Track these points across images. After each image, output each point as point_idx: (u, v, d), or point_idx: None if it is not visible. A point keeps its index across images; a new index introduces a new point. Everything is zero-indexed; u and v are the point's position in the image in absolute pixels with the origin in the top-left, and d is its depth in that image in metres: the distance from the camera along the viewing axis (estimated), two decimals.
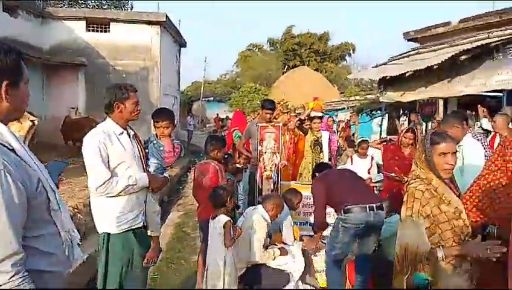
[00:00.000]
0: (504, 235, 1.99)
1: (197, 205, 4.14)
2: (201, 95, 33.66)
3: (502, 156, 2.22)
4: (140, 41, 13.52)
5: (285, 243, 4.23)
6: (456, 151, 2.21)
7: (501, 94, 7.70)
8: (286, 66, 35.01)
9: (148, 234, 2.89)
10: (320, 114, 6.65)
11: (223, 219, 3.36)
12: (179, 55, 16.58)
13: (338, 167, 6.28)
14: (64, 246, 1.59)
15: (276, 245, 4.09)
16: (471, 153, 3.51)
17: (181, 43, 16.53)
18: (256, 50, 40.00)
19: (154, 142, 3.37)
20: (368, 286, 3.75)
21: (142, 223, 2.80)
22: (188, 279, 4.34)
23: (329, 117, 9.95)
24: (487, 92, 7.88)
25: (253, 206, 4.35)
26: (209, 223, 3.51)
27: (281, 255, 3.91)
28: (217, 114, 27.44)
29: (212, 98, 34.60)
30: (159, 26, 13.62)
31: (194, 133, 19.99)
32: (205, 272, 3.44)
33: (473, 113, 9.36)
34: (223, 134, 13.60)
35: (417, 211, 2.07)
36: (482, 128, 6.64)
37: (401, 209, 2.15)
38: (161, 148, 3.36)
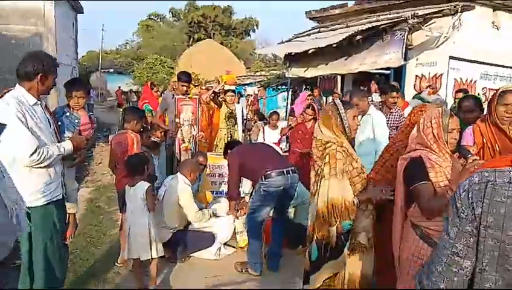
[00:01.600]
0: None
1: (113, 177, 4.10)
2: (99, 66, 31.36)
3: (409, 126, 2.64)
4: (31, 4, 12.11)
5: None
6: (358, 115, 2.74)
7: (388, 72, 8.79)
8: (191, 39, 34.31)
9: (67, 211, 2.88)
10: (233, 87, 6.88)
11: (143, 184, 3.40)
12: (76, 22, 15.26)
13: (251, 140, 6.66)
14: (10, 215, 1.60)
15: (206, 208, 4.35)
16: (380, 120, 4.22)
17: (77, 9, 15.20)
18: (159, 20, 38.38)
19: (68, 114, 3.27)
20: (281, 246, 4.14)
21: (61, 195, 2.77)
22: (109, 250, 4.34)
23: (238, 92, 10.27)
24: (377, 69, 8.90)
25: (172, 175, 4.50)
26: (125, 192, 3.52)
27: (212, 215, 4.18)
28: (119, 87, 26.02)
29: (112, 70, 32.46)
30: None
31: (94, 107, 18.75)
32: (127, 240, 3.45)
33: (365, 88, 10.48)
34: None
35: (340, 169, 2.44)
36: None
37: (324, 169, 2.47)
38: (76, 121, 3.28)
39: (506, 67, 9.20)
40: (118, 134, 4.14)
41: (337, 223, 2.44)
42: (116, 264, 3.97)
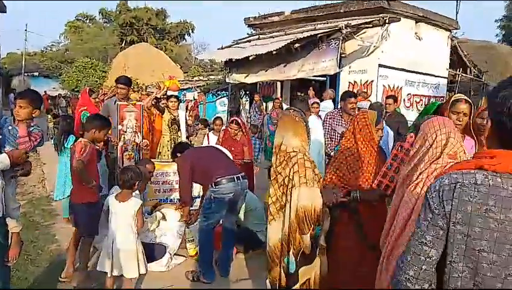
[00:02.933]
0: (365, 197, 2.67)
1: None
2: (23, 69, 29.06)
3: (352, 131, 2.81)
4: None
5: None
6: None
7: (325, 78, 9.24)
8: (124, 41, 33.08)
9: (10, 230, 2.70)
10: (176, 93, 6.81)
11: (137, 202, 3.35)
12: None
13: (195, 146, 6.60)
14: None
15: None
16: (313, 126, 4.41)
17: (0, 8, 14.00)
18: (88, 21, 36.57)
19: (10, 127, 3.08)
20: (232, 252, 4.17)
21: (1, 213, 2.59)
22: (50, 267, 4.08)
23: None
24: (314, 76, 9.32)
25: (116, 186, 4.34)
26: (109, 205, 3.41)
27: (162, 218, 4.07)
28: (45, 92, 24.31)
29: (36, 73, 30.22)
30: None
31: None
32: (110, 256, 3.32)
33: (302, 94, 10.90)
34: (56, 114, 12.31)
35: (310, 177, 2.52)
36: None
37: (294, 178, 2.54)
38: (17, 134, 3.09)
39: (428, 74, 10.13)
40: (75, 143, 3.92)
41: (310, 230, 2.51)
42: (60, 279, 3.75)
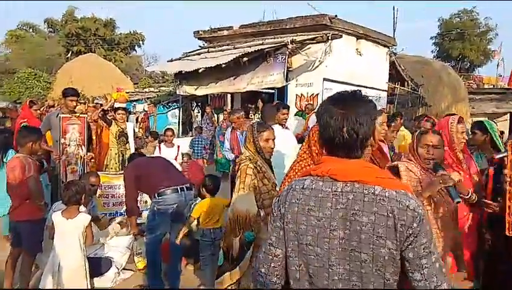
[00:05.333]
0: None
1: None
2: None
3: (308, 144, 2.80)
4: None
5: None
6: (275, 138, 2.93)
7: (273, 91, 9.54)
8: (70, 52, 31.85)
9: None
10: (124, 105, 6.74)
11: (85, 217, 3.31)
12: None
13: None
14: None
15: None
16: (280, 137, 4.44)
17: None
18: (31, 30, 34.87)
19: None
20: (180, 264, 4.16)
21: None
22: None
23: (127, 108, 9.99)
24: (263, 88, 9.59)
25: (59, 202, 4.24)
26: (54, 222, 3.32)
27: (121, 228, 4.03)
28: None
29: None
30: None
31: None
32: (55, 274, 3.25)
33: (253, 106, 11.12)
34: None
35: (248, 184, 2.66)
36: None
37: (236, 183, 2.69)
38: None
39: (369, 88, 10.74)
40: (11, 159, 3.79)
41: (241, 233, 2.64)
42: None
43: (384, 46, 11.53)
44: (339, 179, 1.30)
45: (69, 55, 31.03)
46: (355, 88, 1.48)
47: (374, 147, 1.37)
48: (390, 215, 1.23)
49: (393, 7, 14.11)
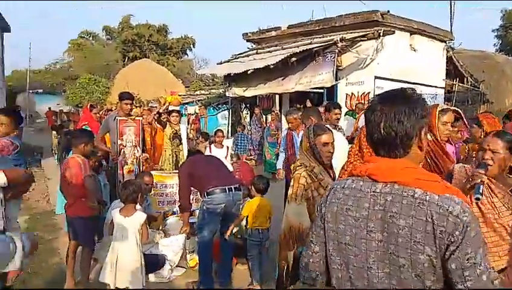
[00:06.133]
0: None
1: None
2: (27, 86, 29.47)
3: (359, 144, 2.52)
4: None
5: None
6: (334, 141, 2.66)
7: (322, 91, 9.40)
8: (126, 58, 33.51)
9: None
10: (178, 108, 6.96)
11: (141, 216, 3.44)
12: (2, 41, 14.38)
13: None
14: None
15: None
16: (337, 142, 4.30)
17: (4, 28, 14.34)
18: (91, 38, 37.09)
19: None
20: (231, 262, 4.22)
21: (2, 227, 2.68)
22: (53, 279, 4.18)
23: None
24: (312, 88, 9.49)
25: (117, 200, 4.44)
26: (112, 218, 3.48)
27: (165, 236, 4.17)
28: (49, 108, 24.67)
29: (41, 90, 30.64)
30: None
31: (23, 129, 17.56)
32: (114, 268, 3.39)
33: (301, 106, 11.04)
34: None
35: (300, 194, 2.49)
36: None
37: (288, 192, 2.57)
38: None
39: (423, 85, 10.27)
40: (67, 158, 4.05)
41: (295, 248, 2.43)
42: None
43: (441, 41, 10.96)
44: (378, 179, 1.26)
45: (125, 60, 32.63)
46: (409, 86, 1.42)
47: (422, 149, 1.27)
48: (429, 220, 1.16)
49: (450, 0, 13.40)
